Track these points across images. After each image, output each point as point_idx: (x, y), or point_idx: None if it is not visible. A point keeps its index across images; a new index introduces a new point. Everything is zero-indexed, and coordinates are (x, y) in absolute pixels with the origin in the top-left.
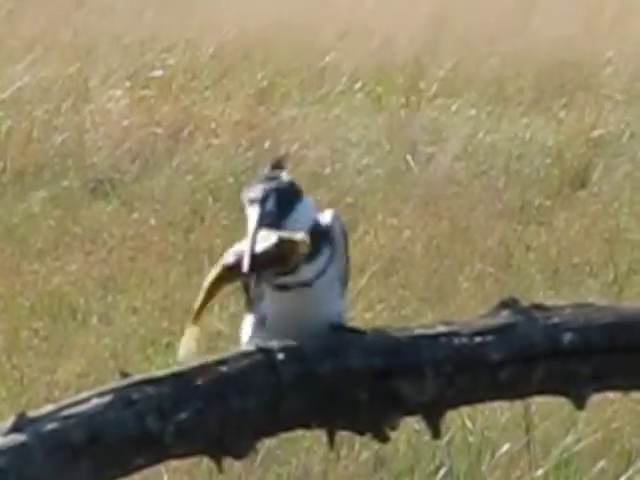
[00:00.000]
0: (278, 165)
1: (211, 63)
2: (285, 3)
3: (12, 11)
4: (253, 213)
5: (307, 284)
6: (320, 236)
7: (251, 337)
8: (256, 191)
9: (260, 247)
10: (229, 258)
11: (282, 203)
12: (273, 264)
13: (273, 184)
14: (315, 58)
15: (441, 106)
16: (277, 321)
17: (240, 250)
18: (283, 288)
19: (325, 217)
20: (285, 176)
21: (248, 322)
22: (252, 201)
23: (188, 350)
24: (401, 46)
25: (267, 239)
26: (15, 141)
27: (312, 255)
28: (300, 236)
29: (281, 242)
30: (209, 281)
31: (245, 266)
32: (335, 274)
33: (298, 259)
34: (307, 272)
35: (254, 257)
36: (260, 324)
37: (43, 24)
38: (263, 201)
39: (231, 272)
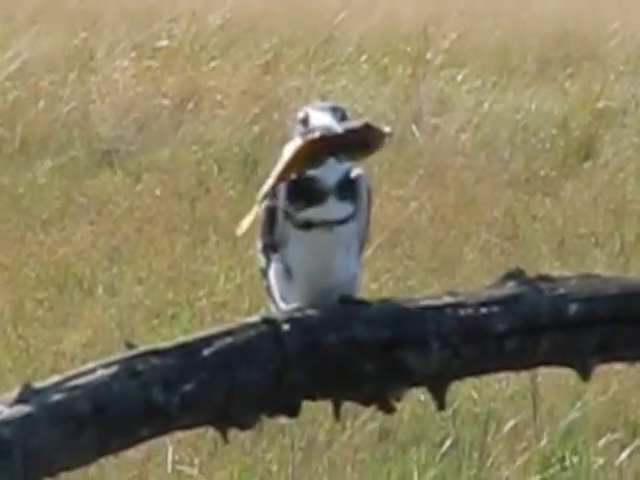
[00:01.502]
0: None
1: (218, 34)
2: None
3: None
4: (324, 115)
5: (330, 224)
6: (350, 186)
7: (281, 289)
8: (323, 106)
9: (347, 125)
10: (313, 135)
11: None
12: (356, 146)
13: (338, 105)
14: (320, 29)
15: (446, 77)
16: (301, 272)
17: (326, 126)
18: (306, 227)
19: (354, 173)
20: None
21: (274, 274)
22: (321, 109)
23: (246, 226)
24: (406, 16)
25: (353, 123)
26: (21, 112)
27: (341, 196)
28: (387, 128)
29: (368, 126)
30: (285, 161)
31: (338, 128)
32: (355, 230)
33: (379, 149)
34: (332, 209)
35: (339, 135)
36: (286, 275)
37: None
38: (333, 110)
39: (315, 144)
